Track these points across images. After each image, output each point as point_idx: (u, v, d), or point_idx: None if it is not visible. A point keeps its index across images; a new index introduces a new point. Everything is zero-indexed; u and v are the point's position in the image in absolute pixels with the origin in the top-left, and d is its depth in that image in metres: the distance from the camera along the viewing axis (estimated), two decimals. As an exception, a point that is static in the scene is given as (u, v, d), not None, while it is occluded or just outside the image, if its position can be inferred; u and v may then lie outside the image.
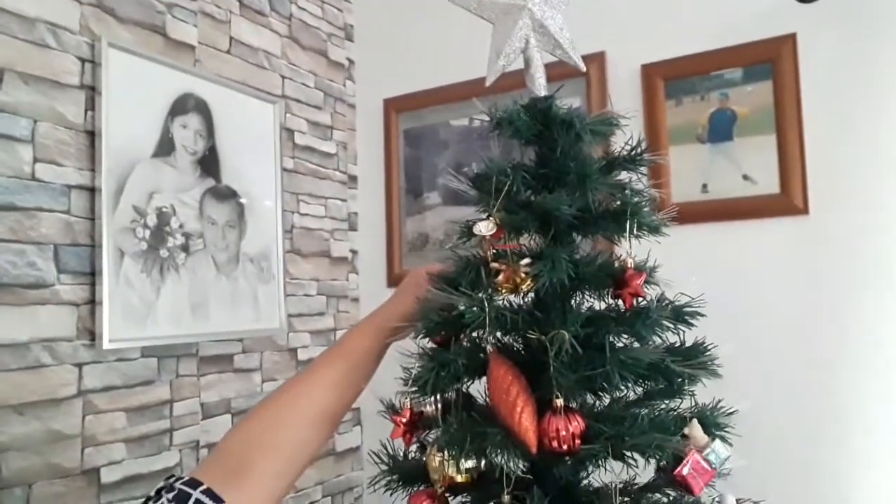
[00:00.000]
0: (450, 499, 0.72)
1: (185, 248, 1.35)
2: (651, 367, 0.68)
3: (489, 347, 0.70)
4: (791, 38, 1.36)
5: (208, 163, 1.43)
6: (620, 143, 0.76)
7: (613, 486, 0.68)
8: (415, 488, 0.76)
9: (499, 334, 0.72)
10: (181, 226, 1.35)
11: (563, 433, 0.64)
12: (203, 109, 1.42)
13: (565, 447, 0.65)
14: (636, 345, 0.71)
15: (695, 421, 0.70)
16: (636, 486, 0.72)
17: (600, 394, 0.72)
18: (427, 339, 0.74)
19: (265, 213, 1.56)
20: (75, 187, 1.18)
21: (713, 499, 0.70)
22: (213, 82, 1.45)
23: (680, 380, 0.71)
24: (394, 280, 1.79)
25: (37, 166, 1.13)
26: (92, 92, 1.21)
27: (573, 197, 0.71)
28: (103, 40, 1.21)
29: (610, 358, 0.66)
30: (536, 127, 0.73)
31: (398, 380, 0.72)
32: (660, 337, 0.72)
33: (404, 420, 0.72)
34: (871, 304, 1.28)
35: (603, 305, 0.74)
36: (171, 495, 0.62)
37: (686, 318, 0.73)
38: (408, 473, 0.77)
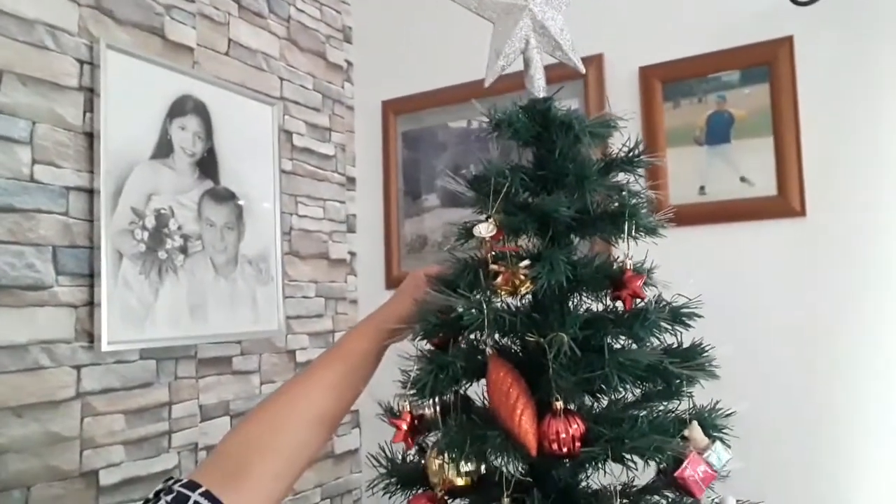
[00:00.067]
0: (449, 502, 0.72)
1: (183, 250, 1.35)
2: (649, 369, 0.68)
3: (488, 349, 0.70)
4: (788, 41, 1.37)
5: (207, 164, 1.43)
6: (618, 145, 0.76)
7: (613, 488, 0.68)
8: (413, 491, 0.75)
9: (497, 336, 0.72)
10: (180, 227, 1.35)
11: (563, 436, 0.64)
12: (201, 111, 1.42)
13: (565, 450, 0.65)
14: (634, 346, 0.71)
15: (695, 423, 0.70)
16: (635, 489, 0.72)
17: (599, 396, 0.72)
18: (425, 342, 0.74)
19: (263, 215, 1.56)
20: (74, 189, 1.18)
21: (713, 500, 0.70)
22: (212, 84, 1.45)
23: (678, 381, 0.71)
24: (392, 282, 1.79)
25: (35, 168, 1.13)
26: (90, 94, 1.21)
27: (571, 198, 0.71)
28: (102, 42, 1.21)
29: (609, 360, 0.66)
30: (535, 128, 0.73)
31: (397, 382, 0.72)
32: (658, 338, 0.72)
33: (405, 424, 0.72)
34: (868, 306, 1.28)
35: (601, 307, 0.74)
36: (169, 497, 0.61)
37: (684, 319, 0.73)
38: (406, 476, 0.77)
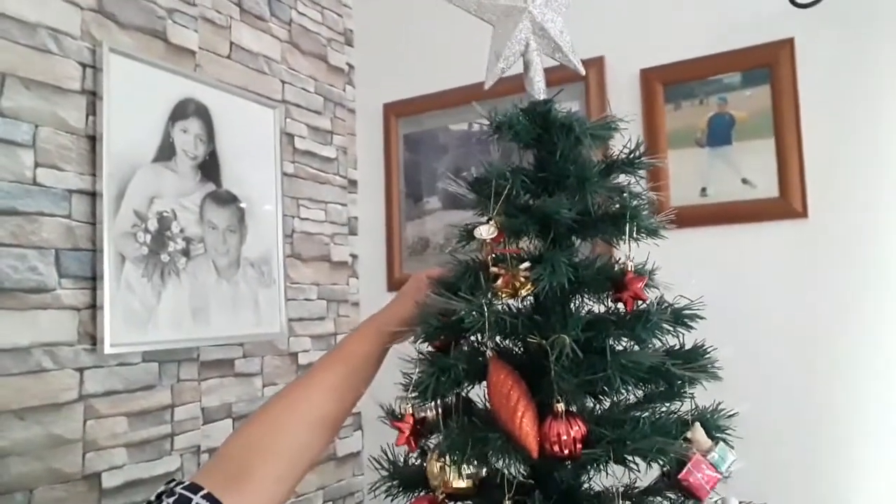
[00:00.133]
0: (450, 505, 0.72)
1: (185, 253, 1.35)
2: (651, 371, 0.68)
3: (489, 352, 0.70)
4: (789, 43, 1.37)
5: (209, 167, 1.43)
6: (619, 146, 0.76)
7: (615, 490, 0.68)
8: (415, 494, 0.75)
9: (499, 338, 0.72)
10: (182, 230, 1.35)
11: (565, 437, 0.64)
12: (203, 114, 1.43)
13: (567, 452, 0.64)
14: (636, 348, 0.71)
15: (697, 424, 0.70)
16: (637, 490, 0.72)
17: (600, 397, 0.72)
18: (427, 344, 0.74)
19: (265, 218, 1.56)
20: (76, 192, 1.18)
21: (715, 501, 0.70)
22: (214, 87, 1.45)
23: (680, 383, 0.71)
24: (394, 284, 1.79)
25: (38, 171, 1.13)
26: (93, 97, 1.22)
27: (572, 200, 0.71)
28: (104, 45, 1.22)
29: (611, 361, 0.66)
30: (535, 130, 0.73)
31: (398, 384, 0.72)
32: (660, 340, 0.72)
33: (407, 426, 0.72)
34: (869, 307, 1.28)
35: (602, 309, 0.74)
36: (171, 500, 0.62)
37: (685, 321, 0.73)
38: (408, 479, 0.77)
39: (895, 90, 1.28)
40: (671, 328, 0.72)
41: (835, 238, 1.31)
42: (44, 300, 1.12)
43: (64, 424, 1.13)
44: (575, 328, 0.68)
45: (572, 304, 0.73)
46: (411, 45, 1.82)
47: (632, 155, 0.75)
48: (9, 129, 1.09)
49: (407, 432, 0.72)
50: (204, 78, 1.44)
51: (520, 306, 0.72)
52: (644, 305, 0.71)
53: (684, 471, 0.66)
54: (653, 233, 0.73)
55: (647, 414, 0.70)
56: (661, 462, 0.66)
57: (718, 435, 0.72)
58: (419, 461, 0.77)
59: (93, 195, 1.20)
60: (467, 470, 0.69)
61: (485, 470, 0.70)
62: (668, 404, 0.73)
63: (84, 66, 1.21)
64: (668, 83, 1.48)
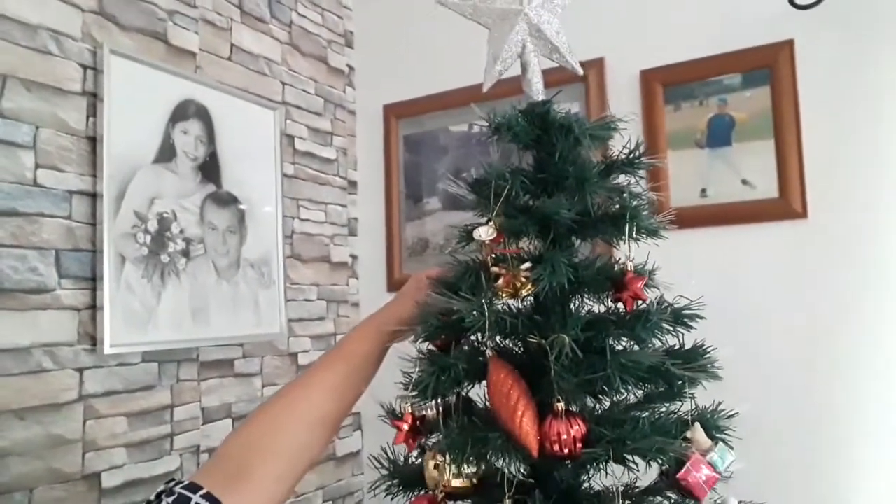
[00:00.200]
0: (450, 504, 0.72)
1: (185, 254, 1.36)
2: (651, 370, 0.68)
3: (489, 351, 0.70)
4: (789, 44, 1.37)
5: (209, 169, 1.43)
6: (619, 147, 0.76)
7: (615, 489, 0.68)
8: (415, 493, 0.76)
9: (499, 338, 0.72)
10: (182, 231, 1.35)
11: (565, 437, 0.64)
12: (204, 116, 1.43)
13: (567, 451, 0.65)
14: (636, 348, 0.71)
15: (697, 424, 0.70)
16: (637, 490, 0.72)
17: (600, 397, 0.72)
18: (427, 343, 0.74)
19: (265, 219, 1.56)
20: (77, 193, 1.18)
21: (715, 501, 0.70)
22: (214, 89, 1.45)
23: (680, 383, 0.71)
24: (394, 285, 1.80)
25: (39, 172, 1.13)
26: (94, 98, 1.22)
27: (572, 201, 0.71)
28: (105, 47, 1.22)
29: (610, 361, 0.67)
30: (535, 131, 0.74)
31: (398, 384, 0.72)
32: (659, 340, 0.72)
33: (407, 425, 0.72)
34: (869, 307, 1.28)
35: (602, 309, 0.74)
36: (171, 499, 0.62)
37: (685, 321, 0.73)
38: (408, 478, 0.77)
39: (895, 91, 1.28)
40: (671, 328, 0.72)
41: (834, 238, 1.31)
42: (44, 301, 1.12)
43: (64, 424, 1.14)
44: (575, 328, 0.68)
45: (572, 304, 0.73)
46: (411, 47, 1.82)
47: (631, 155, 0.75)
48: (9, 130, 1.10)
49: (405, 431, 0.72)
50: (204, 79, 1.44)
51: (520, 306, 0.72)
52: (644, 305, 0.71)
53: (683, 470, 0.66)
54: (653, 233, 0.73)
55: (646, 414, 0.70)
56: (660, 461, 0.66)
57: (718, 435, 0.72)
58: (419, 460, 0.77)
59: (93, 196, 1.20)
60: (467, 469, 0.70)
61: (485, 469, 0.70)
62: (667, 404, 0.73)
63: (85, 67, 1.21)
64: (668, 84, 1.48)
